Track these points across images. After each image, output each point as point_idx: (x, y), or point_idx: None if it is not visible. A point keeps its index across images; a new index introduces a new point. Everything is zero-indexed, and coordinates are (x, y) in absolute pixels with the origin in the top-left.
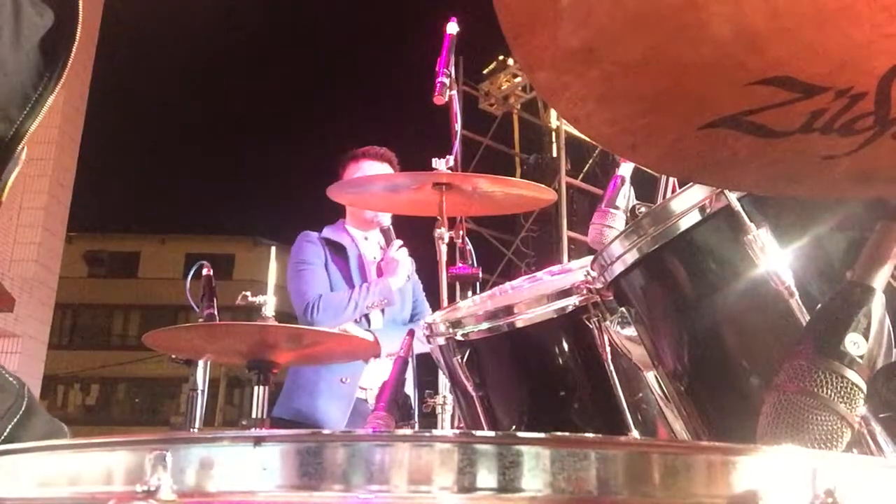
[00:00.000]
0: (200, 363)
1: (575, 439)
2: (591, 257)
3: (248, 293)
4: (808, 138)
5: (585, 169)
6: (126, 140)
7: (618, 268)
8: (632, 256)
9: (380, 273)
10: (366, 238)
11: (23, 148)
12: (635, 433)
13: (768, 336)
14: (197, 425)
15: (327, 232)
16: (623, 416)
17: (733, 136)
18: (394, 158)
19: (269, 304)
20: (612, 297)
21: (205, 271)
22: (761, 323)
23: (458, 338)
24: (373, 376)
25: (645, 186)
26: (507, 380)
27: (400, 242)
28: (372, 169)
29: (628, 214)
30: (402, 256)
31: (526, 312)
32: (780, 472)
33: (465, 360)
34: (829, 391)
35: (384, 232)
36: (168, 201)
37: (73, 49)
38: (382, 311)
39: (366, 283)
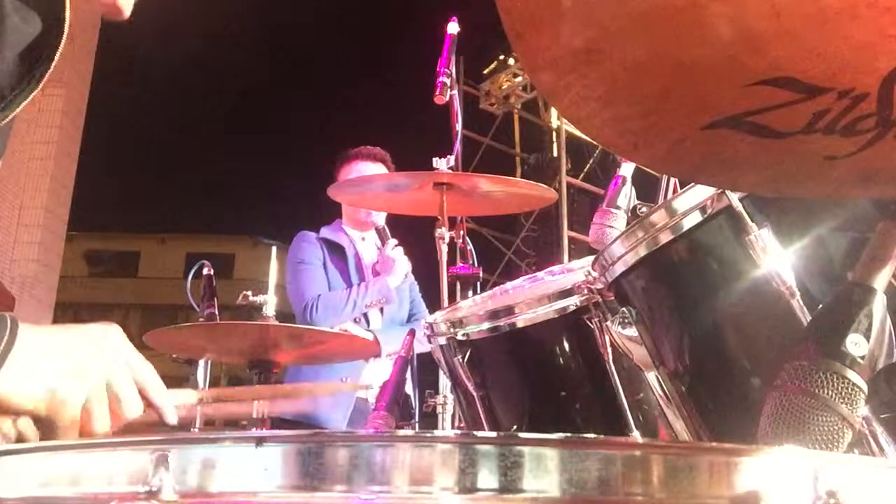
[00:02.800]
0: (201, 363)
1: (576, 440)
2: (591, 257)
3: (249, 293)
4: (810, 139)
5: (586, 169)
6: (126, 140)
7: (619, 268)
8: (633, 257)
9: (376, 273)
10: (363, 238)
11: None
12: (636, 434)
13: (769, 336)
14: (198, 425)
15: (325, 232)
16: (624, 417)
17: (735, 137)
18: (387, 158)
19: (269, 303)
20: (613, 298)
21: (205, 271)
22: (762, 323)
23: (459, 337)
24: (373, 376)
25: (646, 186)
26: (508, 380)
27: (395, 242)
28: (365, 169)
29: (629, 214)
30: (397, 255)
31: (527, 312)
32: (782, 473)
33: (465, 359)
34: (830, 392)
35: (378, 231)
36: (168, 201)
37: (56, 56)
38: (381, 311)
39: (364, 281)
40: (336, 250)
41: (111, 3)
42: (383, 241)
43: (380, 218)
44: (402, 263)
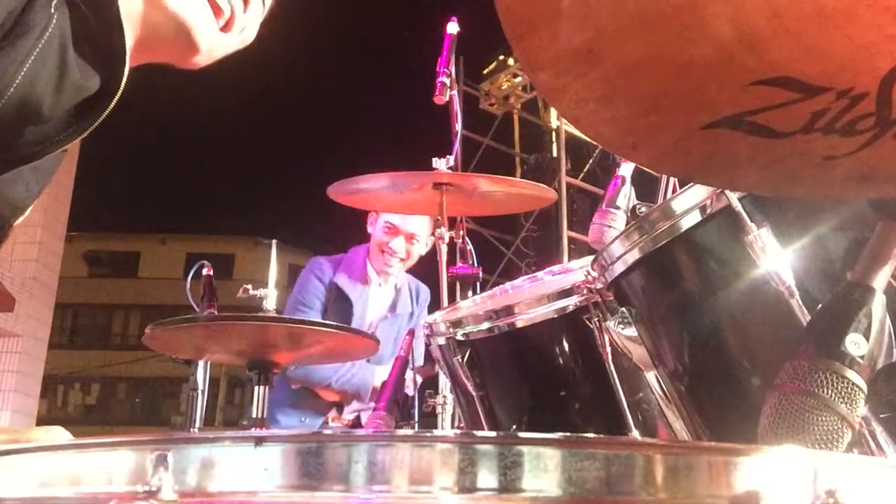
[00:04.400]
0: (201, 363)
1: (576, 440)
2: (591, 257)
3: (249, 286)
4: (809, 139)
5: (586, 169)
6: (127, 140)
7: (618, 268)
8: (632, 256)
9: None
10: (380, 284)
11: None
12: (636, 433)
13: (769, 336)
14: (197, 425)
15: (341, 277)
16: (623, 416)
17: (734, 137)
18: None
19: (269, 297)
20: (612, 297)
21: (205, 271)
22: (762, 323)
23: (459, 338)
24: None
25: (645, 186)
26: (508, 380)
27: (420, 380)
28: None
29: (629, 214)
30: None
31: (526, 312)
32: (782, 473)
33: (465, 359)
34: (829, 391)
35: (428, 371)
36: (168, 201)
37: (105, 113)
38: None
39: (352, 368)
40: (342, 299)
41: (186, 61)
42: (420, 370)
43: (399, 268)
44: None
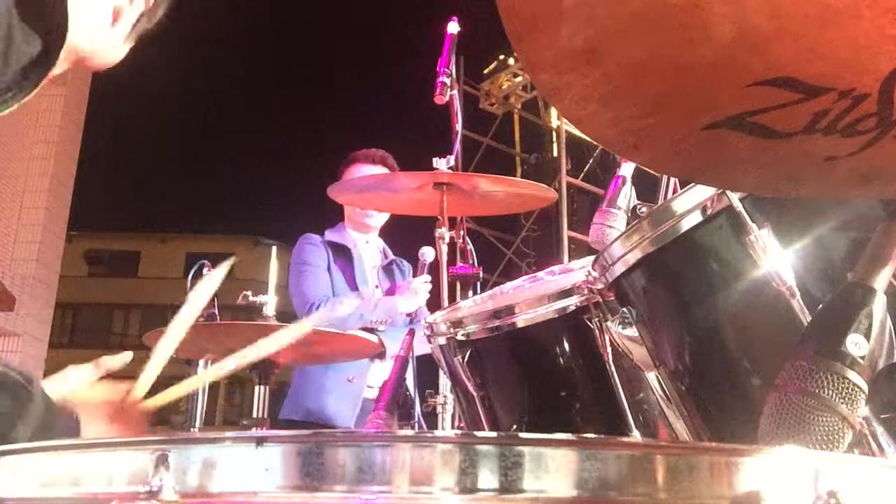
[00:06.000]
0: (201, 363)
1: (577, 440)
2: (591, 257)
3: (249, 293)
4: (810, 139)
5: (586, 169)
6: (127, 139)
7: (619, 268)
8: (633, 257)
9: (390, 293)
10: (367, 241)
11: None
12: (636, 434)
13: (770, 336)
14: (197, 425)
15: (329, 235)
16: (624, 417)
17: (735, 137)
18: (387, 159)
19: (269, 303)
20: (613, 298)
21: (205, 271)
22: (763, 323)
23: (459, 338)
24: (380, 375)
25: (646, 186)
26: (508, 380)
27: (428, 278)
28: (364, 172)
29: (629, 214)
30: (421, 288)
31: (527, 312)
32: (783, 473)
33: (465, 359)
34: (830, 392)
35: (422, 266)
36: (168, 201)
37: (48, 75)
38: None
39: (373, 298)
40: (341, 252)
41: (99, 66)
42: (419, 272)
43: (380, 220)
44: (420, 296)
